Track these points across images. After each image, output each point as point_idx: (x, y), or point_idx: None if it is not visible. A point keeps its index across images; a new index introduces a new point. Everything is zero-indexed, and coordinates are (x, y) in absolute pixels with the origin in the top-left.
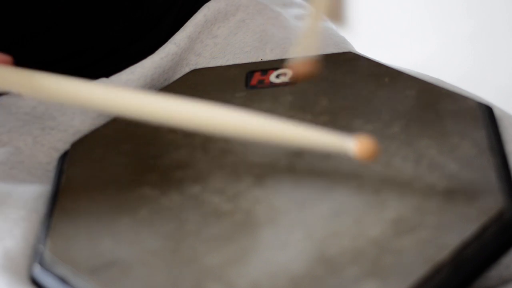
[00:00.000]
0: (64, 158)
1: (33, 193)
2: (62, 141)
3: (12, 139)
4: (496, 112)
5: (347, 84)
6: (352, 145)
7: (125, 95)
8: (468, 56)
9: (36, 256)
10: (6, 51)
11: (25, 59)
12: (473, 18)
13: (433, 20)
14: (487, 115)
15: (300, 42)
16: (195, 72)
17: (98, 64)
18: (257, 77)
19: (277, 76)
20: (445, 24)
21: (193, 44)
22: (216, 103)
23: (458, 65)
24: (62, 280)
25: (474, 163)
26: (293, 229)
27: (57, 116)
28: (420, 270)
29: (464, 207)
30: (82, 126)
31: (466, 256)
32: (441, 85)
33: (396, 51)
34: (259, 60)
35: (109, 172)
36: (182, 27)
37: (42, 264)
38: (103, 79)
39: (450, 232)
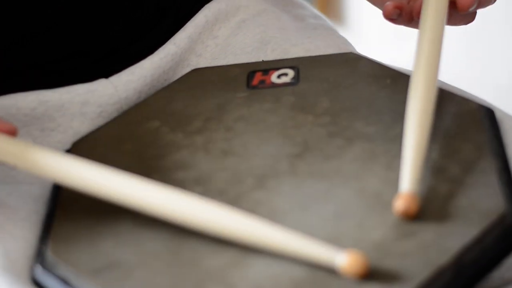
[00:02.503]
0: None
1: (33, 194)
2: (61, 143)
3: None
4: (498, 115)
5: (349, 85)
6: (342, 259)
7: (115, 181)
8: (468, 56)
9: (38, 257)
10: (6, 51)
11: (25, 59)
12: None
13: None
14: (488, 117)
15: None
16: (196, 72)
17: (98, 64)
18: (258, 77)
19: (279, 77)
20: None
21: (193, 44)
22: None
23: (457, 65)
24: (64, 281)
25: (475, 167)
26: (295, 231)
27: (57, 118)
28: (422, 274)
29: (465, 211)
30: (81, 128)
31: (468, 260)
32: (442, 86)
33: (396, 52)
34: (260, 60)
35: None
36: (182, 28)
37: (44, 265)
38: (102, 80)
39: (452, 236)
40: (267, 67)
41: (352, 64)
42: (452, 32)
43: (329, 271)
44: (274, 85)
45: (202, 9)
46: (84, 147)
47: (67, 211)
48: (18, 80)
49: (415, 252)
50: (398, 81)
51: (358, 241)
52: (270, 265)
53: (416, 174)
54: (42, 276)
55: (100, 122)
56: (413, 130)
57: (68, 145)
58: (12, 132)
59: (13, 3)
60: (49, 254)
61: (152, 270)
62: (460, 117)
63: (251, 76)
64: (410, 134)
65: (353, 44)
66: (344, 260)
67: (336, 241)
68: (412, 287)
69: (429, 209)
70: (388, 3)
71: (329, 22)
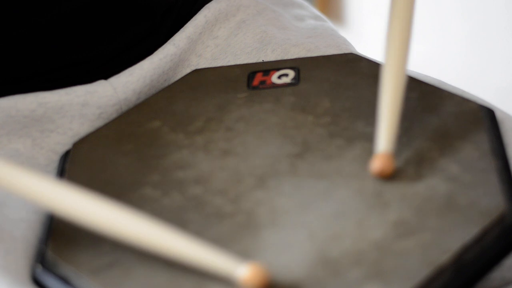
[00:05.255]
0: (66, 158)
1: None
2: (61, 144)
3: (11, 141)
4: (498, 115)
5: (349, 86)
6: (242, 272)
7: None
8: (468, 56)
9: (38, 257)
10: (6, 54)
11: (26, 62)
12: (473, 18)
13: (433, 21)
14: (489, 118)
15: None
16: (196, 72)
17: (97, 65)
18: (259, 77)
19: (279, 77)
20: (445, 24)
21: (193, 45)
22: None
23: (457, 65)
24: (64, 280)
25: (475, 166)
26: (295, 231)
27: (56, 119)
28: (422, 273)
29: (465, 210)
30: (81, 129)
31: (468, 259)
32: (443, 87)
33: None
34: (260, 61)
35: (111, 172)
36: (182, 28)
37: (44, 264)
38: (101, 81)
39: (451, 235)
40: (268, 67)
41: (352, 64)
42: (453, 33)
43: (329, 270)
44: (275, 86)
45: (202, 9)
46: (85, 147)
47: None
48: (18, 82)
49: (415, 251)
50: None
51: (358, 240)
52: (270, 264)
53: (390, 135)
54: (43, 275)
55: (99, 123)
56: (387, 94)
57: (67, 146)
58: None
59: (13, 7)
60: (50, 254)
61: (152, 269)
62: (460, 117)
63: (252, 77)
64: (384, 99)
65: (353, 44)
66: (244, 273)
67: (336, 239)
68: (412, 286)
69: (429, 208)
70: None
71: (329, 22)
